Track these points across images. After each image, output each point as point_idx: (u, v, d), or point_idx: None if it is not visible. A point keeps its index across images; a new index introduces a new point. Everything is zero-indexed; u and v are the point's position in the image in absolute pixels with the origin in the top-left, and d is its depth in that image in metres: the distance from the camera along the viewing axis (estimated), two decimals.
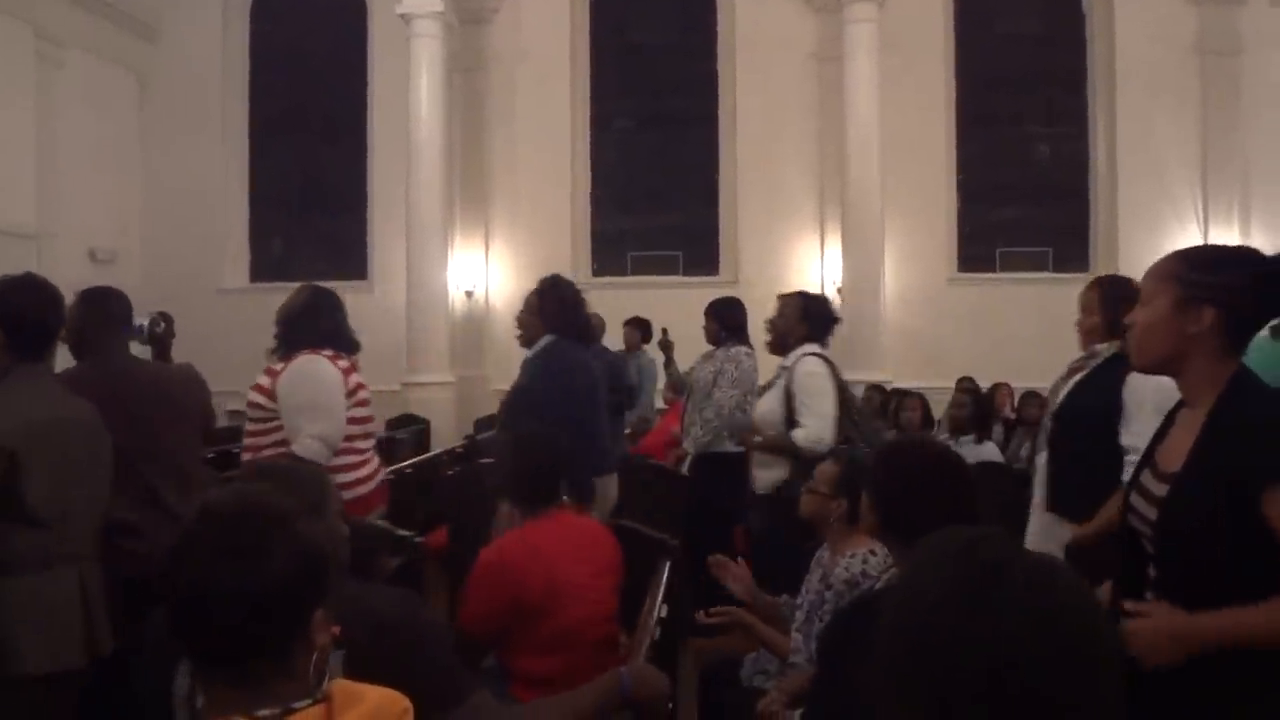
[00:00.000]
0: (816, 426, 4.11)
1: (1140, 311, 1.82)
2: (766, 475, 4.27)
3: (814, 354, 4.25)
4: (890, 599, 0.98)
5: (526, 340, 4.14)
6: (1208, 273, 1.73)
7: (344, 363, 3.45)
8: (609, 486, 4.24)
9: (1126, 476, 2.97)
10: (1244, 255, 1.80)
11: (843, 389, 4.27)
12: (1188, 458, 1.72)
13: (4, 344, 2.57)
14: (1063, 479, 3.27)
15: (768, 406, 4.33)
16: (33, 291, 2.66)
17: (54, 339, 2.73)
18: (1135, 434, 3.02)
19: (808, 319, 4.34)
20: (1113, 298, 3.23)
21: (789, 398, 4.20)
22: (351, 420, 3.38)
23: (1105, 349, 3.25)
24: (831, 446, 4.05)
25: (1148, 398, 3.02)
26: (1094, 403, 3.18)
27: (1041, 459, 3.37)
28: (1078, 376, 3.31)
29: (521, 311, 4.23)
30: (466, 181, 11.25)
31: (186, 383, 3.28)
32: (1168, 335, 1.76)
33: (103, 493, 2.69)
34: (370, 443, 3.57)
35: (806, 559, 3.05)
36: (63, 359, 2.94)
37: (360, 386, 3.48)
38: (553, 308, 4.08)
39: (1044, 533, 3.30)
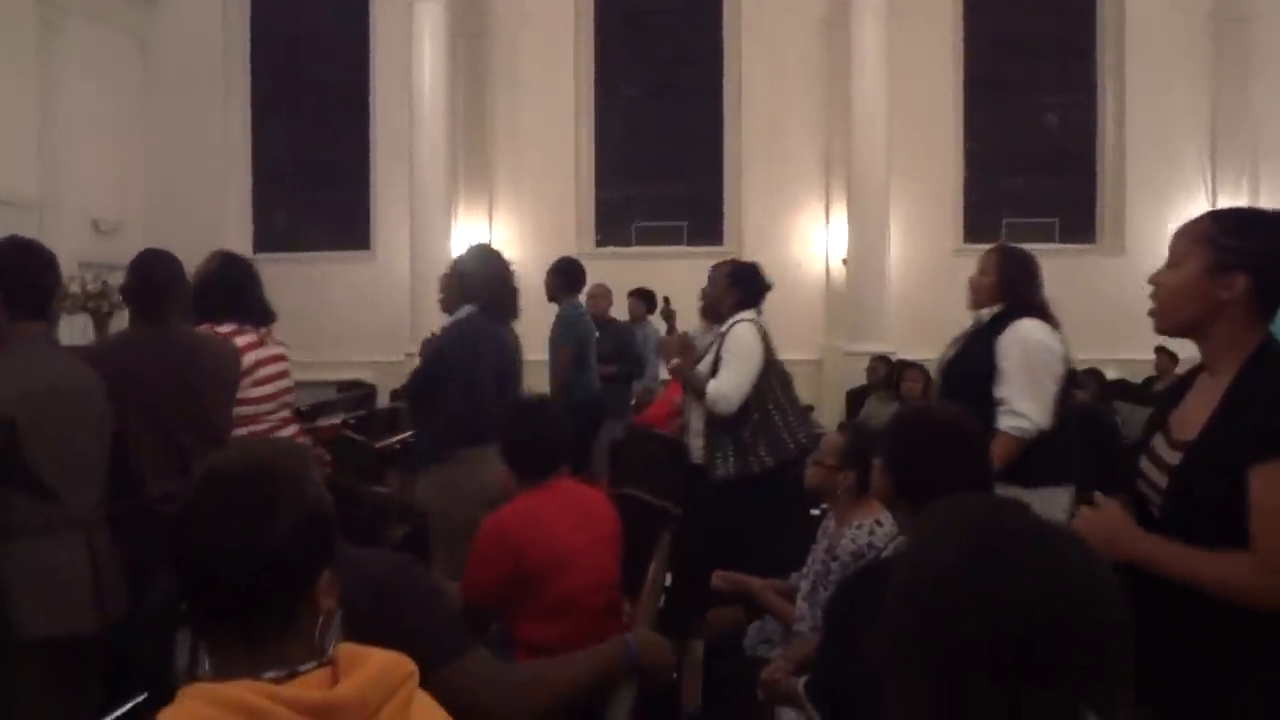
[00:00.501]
0: (728, 383, 4.09)
1: (1169, 273, 1.77)
2: (701, 444, 4.28)
3: (747, 320, 4.26)
4: (899, 567, 0.97)
5: (446, 307, 4.00)
6: (1242, 238, 1.69)
7: (248, 337, 3.32)
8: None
9: (998, 424, 3.16)
10: (1278, 221, 1.75)
11: (771, 363, 4.24)
12: (1205, 426, 1.68)
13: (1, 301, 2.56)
14: None
15: (703, 370, 4.32)
16: (23, 251, 2.64)
17: (51, 299, 2.71)
18: (1004, 386, 3.23)
19: (738, 285, 4.36)
20: (1010, 265, 3.41)
21: (718, 363, 4.20)
22: (250, 400, 3.27)
23: (988, 314, 3.40)
24: (736, 409, 4.07)
25: (1014, 352, 3.24)
26: (972, 366, 3.34)
27: None
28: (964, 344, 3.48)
29: (444, 275, 4.09)
30: (470, 150, 11.19)
31: (228, 355, 3.25)
32: (1197, 299, 1.71)
33: (104, 458, 2.69)
34: (283, 413, 3.45)
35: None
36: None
37: (271, 360, 3.36)
38: (476, 278, 3.92)
39: None
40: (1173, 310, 1.77)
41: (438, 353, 3.84)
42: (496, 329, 3.90)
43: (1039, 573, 0.88)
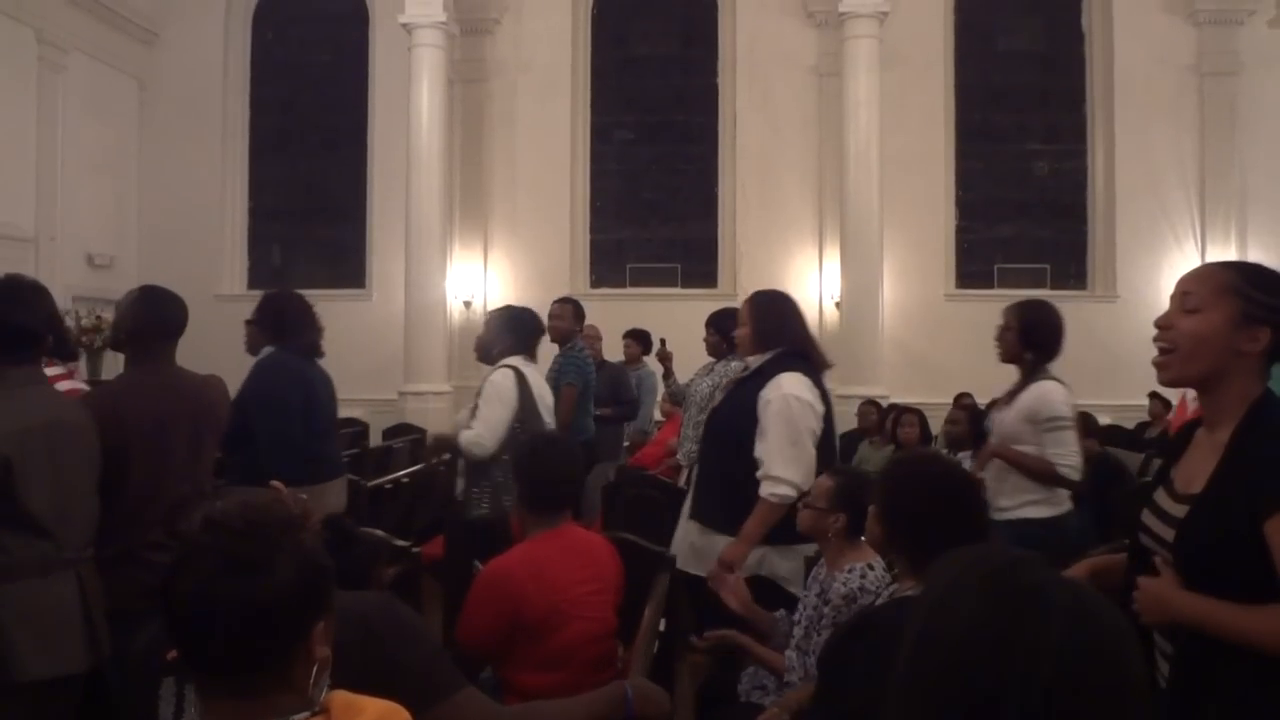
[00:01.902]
0: (479, 430, 4.15)
1: (1188, 320, 1.70)
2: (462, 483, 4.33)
3: (507, 366, 4.31)
4: (918, 616, 0.96)
5: (250, 349, 4.12)
6: (1271, 293, 1.66)
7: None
8: (328, 494, 4.03)
9: (761, 491, 3.16)
10: None
11: (527, 403, 4.24)
12: (1211, 479, 1.66)
13: None
14: (706, 487, 3.40)
15: (464, 415, 4.38)
16: (17, 292, 2.62)
17: (45, 339, 2.69)
18: (763, 445, 3.22)
19: (512, 332, 4.43)
20: (761, 312, 3.43)
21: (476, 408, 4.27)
22: None
23: (755, 361, 3.40)
24: (492, 453, 4.11)
25: (771, 411, 3.24)
26: (734, 416, 3.34)
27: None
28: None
29: (248, 320, 4.19)
30: (466, 191, 11.26)
31: (224, 399, 3.28)
32: (1220, 350, 1.67)
33: (94, 497, 2.67)
34: None
35: None
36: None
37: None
38: (269, 319, 4.00)
39: (687, 540, 3.47)
40: (1194, 358, 1.70)
41: (235, 400, 3.82)
42: (293, 365, 3.92)
43: (1062, 626, 0.88)
